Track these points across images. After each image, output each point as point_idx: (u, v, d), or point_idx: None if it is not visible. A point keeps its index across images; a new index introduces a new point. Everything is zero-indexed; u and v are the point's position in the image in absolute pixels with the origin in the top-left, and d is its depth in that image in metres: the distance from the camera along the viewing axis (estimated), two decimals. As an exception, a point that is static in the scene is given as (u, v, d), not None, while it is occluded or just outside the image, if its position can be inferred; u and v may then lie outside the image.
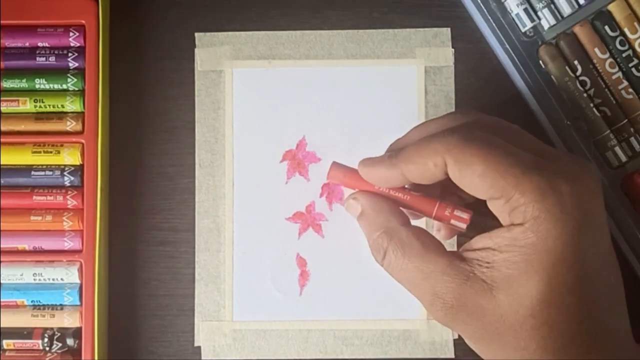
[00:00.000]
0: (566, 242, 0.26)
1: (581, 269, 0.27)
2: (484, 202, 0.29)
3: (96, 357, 0.37)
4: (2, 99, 0.39)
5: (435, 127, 0.31)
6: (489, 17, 0.39)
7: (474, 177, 0.28)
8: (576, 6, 0.39)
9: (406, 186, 0.32)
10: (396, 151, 0.31)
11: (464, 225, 0.31)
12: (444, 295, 0.28)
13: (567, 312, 0.26)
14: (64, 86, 0.39)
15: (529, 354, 0.27)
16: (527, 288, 0.26)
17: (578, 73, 0.39)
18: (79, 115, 0.39)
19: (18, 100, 0.39)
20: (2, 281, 0.38)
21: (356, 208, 0.32)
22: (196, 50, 0.41)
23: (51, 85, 0.39)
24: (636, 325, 0.29)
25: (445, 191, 0.33)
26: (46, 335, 0.38)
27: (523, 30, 0.39)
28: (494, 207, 0.28)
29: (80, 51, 0.39)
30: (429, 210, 0.31)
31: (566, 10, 0.39)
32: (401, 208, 0.32)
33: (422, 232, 0.30)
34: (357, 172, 0.32)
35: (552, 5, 0.39)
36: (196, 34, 0.41)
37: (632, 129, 0.39)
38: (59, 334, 0.38)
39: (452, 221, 0.30)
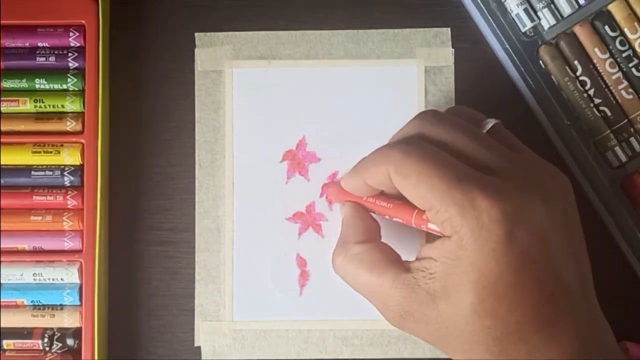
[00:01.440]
0: (489, 256, 0.28)
1: (513, 278, 0.28)
2: None
3: (96, 357, 0.37)
4: (2, 99, 0.39)
5: (398, 135, 0.34)
6: (489, 17, 0.39)
7: (409, 188, 0.30)
8: (576, 6, 0.39)
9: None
10: (359, 161, 0.34)
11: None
12: (392, 307, 0.30)
13: (502, 321, 0.28)
14: (64, 86, 0.39)
15: (475, 356, 0.29)
16: (461, 299, 0.28)
17: (578, 73, 0.39)
18: (79, 115, 0.39)
19: (18, 100, 0.39)
20: (2, 281, 0.38)
21: (343, 212, 0.36)
22: (196, 50, 0.41)
23: (51, 85, 0.39)
24: (637, 325, 0.29)
25: None
26: (46, 335, 0.38)
27: (523, 30, 0.39)
28: (430, 218, 0.30)
29: (80, 51, 0.39)
30: (407, 218, 0.33)
31: (566, 10, 0.39)
32: (389, 216, 0.34)
33: (373, 247, 0.33)
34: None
35: (552, 5, 0.39)
36: (196, 34, 0.41)
37: (632, 129, 0.39)
38: (59, 334, 0.38)
39: (430, 226, 0.31)
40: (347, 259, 0.33)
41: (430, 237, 0.32)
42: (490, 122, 0.33)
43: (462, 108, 0.35)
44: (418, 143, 0.31)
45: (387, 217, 0.34)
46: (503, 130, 0.34)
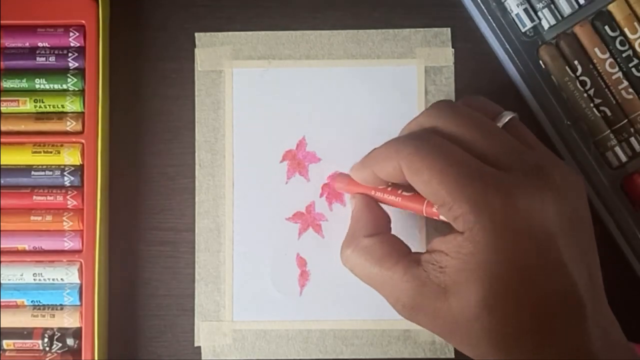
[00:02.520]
0: (501, 253, 0.28)
1: (523, 275, 0.28)
2: None
3: (96, 357, 0.37)
4: (2, 99, 0.39)
5: (412, 125, 0.33)
6: (489, 17, 0.39)
7: (421, 184, 0.30)
8: (576, 6, 0.39)
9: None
10: (369, 152, 0.34)
11: None
12: (403, 299, 0.30)
13: (511, 317, 0.28)
14: (64, 86, 0.39)
15: (481, 352, 0.29)
16: (471, 294, 0.28)
17: (578, 73, 0.39)
18: (79, 115, 0.39)
19: (18, 100, 0.39)
20: (2, 281, 0.38)
21: (353, 204, 0.36)
22: (196, 50, 0.41)
23: (51, 85, 0.39)
24: (637, 325, 0.29)
25: None
26: (46, 335, 0.38)
27: (523, 31, 0.39)
28: (442, 213, 0.30)
29: (80, 51, 0.39)
30: (418, 209, 0.33)
31: (566, 10, 0.39)
32: (399, 207, 0.34)
33: (382, 240, 0.32)
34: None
35: (552, 5, 0.39)
36: (196, 34, 0.41)
37: (632, 129, 0.39)
38: (59, 334, 0.38)
39: (441, 217, 0.31)
40: (357, 251, 0.33)
41: (434, 228, 0.32)
42: (507, 116, 0.33)
43: (478, 99, 0.34)
44: (431, 137, 0.30)
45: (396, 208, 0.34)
46: (519, 125, 0.33)
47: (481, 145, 0.30)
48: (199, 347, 0.40)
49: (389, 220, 0.35)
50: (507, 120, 0.33)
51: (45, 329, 0.38)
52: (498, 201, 0.28)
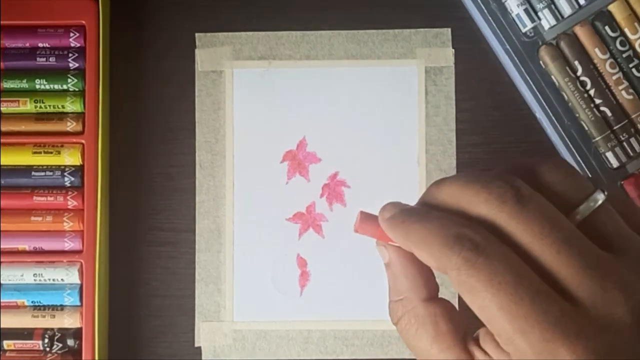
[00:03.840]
0: None
1: None
2: None
3: (96, 358, 0.37)
4: (2, 99, 0.39)
5: (460, 198, 0.25)
6: (490, 18, 0.39)
7: (474, 306, 0.24)
8: (576, 6, 0.39)
9: None
10: (415, 217, 0.26)
11: None
12: None
13: None
14: (64, 87, 0.39)
15: None
16: None
17: (578, 73, 0.39)
18: (79, 116, 0.39)
19: (18, 101, 0.39)
20: (2, 282, 0.38)
21: (384, 256, 0.28)
22: (196, 50, 0.41)
23: (51, 86, 0.39)
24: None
25: None
26: (46, 335, 0.38)
27: (523, 31, 0.39)
28: (499, 340, 0.24)
29: (81, 51, 0.39)
30: None
31: (566, 10, 0.39)
32: None
33: (441, 313, 0.26)
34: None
35: (553, 6, 0.39)
36: (196, 35, 0.41)
37: (632, 129, 0.39)
38: (59, 335, 0.38)
39: None
40: (410, 319, 0.27)
41: None
42: (595, 201, 0.25)
43: (557, 171, 0.25)
44: (490, 243, 0.23)
45: None
46: (607, 210, 0.25)
47: (551, 263, 0.23)
48: (200, 348, 0.40)
49: (434, 276, 0.28)
50: (596, 206, 0.25)
51: (46, 330, 0.38)
52: (567, 354, 0.22)
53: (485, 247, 0.23)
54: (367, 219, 0.28)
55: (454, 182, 0.25)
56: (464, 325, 0.26)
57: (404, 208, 0.27)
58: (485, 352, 0.25)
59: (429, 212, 0.26)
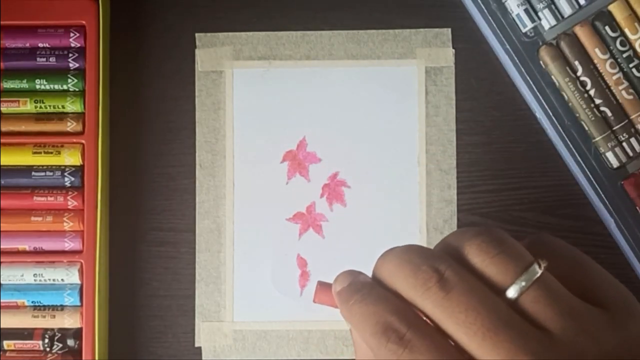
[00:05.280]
0: None
1: None
2: None
3: (97, 358, 0.37)
4: (2, 99, 0.39)
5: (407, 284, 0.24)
6: (490, 18, 0.39)
7: None
8: (577, 6, 0.39)
9: None
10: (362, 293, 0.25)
11: None
12: None
13: None
14: (65, 87, 0.39)
15: None
16: None
17: (578, 73, 0.39)
18: (80, 116, 0.39)
19: (18, 101, 0.39)
20: (2, 282, 0.38)
21: (347, 323, 0.28)
22: (197, 50, 0.41)
23: (51, 86, 0.39)
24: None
25: None
26: (47, 336, 0.38)
27: (523, 31, 0.39)
28: None
29: (81, 52, 0.39)
30: None
31: (567, 10, 0.39)
32: None
33: None
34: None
35: (553, 6, 0.39)
36: (197, 35, 0.41)
37: (632, 130, 0.39)
38: (59, 335, 0.38)
39: None
40: None
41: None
42: (524, 283, 0.23)
43: (483, 248, 0.24)
44: (415, 334, 0.23)
45: None
46: (544, 285, 0.23)
47: (477, 350, 0.22)
48: (200, 348, 0.40)
49: None
50: (529, 284, 0.23)
51: (46, 330, 0.38)
52: None
53: (410, 338, 0.23)
54: (323, 290, 0.28)
55: (392, 260, 0.25)
56: None
57: (354, 280, 0.26)
58: None
59: (370, 290, 0.25)
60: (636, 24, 0.39)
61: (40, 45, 0.39)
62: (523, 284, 0.23)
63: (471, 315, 0.22)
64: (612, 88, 0.39)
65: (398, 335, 0.23)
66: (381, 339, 0.23)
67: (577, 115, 0.39)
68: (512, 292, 0.23)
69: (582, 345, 0.22)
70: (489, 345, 0.22)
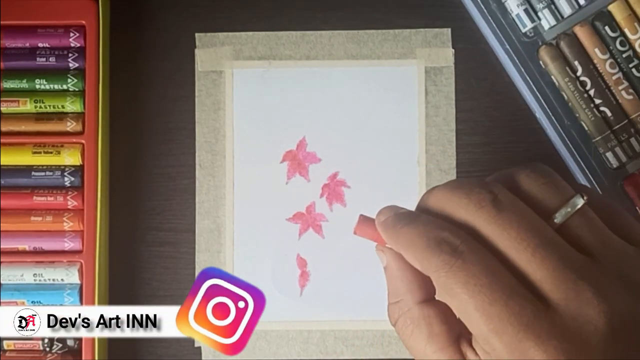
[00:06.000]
0: None
1: None
2: None
3: (96, 358, 0.37)
4: (2, 99, 0.39)
5: (447, 204, 0.26)
6: (490, 18, 0.39)
7: (453, 307, 0.25)
8: (576, 6, 0.39)
9: None
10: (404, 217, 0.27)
11: None
12: None
13: None
14: (64, 87, 0.39)
15: None
16: None
17: (578, 73, 0.39)
18: (79, 116, 0.39)
19: (18, 101, 0.39)
20: (2, 282, 0.38)
21: (382, 259, 0.29)
22: (196, 50, 0.41)
23: (51, 86, 0.39)
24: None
25: None
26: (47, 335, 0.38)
27: (523, 31, 0.39)
28: (474, 341, 0.26)
29: (81, 51, 0.39)
30: None
31: (566, 10, 0.39)
32: None
33: (436, 315, 0.27)
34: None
35: (553, 6, 0.39)
36: (196, 35, 0.41)
37: (632, 130, 0.39)
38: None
39: None
40: (406, 321, 0.28)
41: None
42: (574, 206, 0.25)
43: (537, 177, 0.26)
44: (468, 247, 0.24)
45: None
46: (587, 214, 0.26)
47: (526, 265, 0.24)
48: (200, 348, 0.40)
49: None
50: (574, 211, 0.25)
51: (46, 330, 0.38)
52: (531, 345, 0.23)
53: (463, 250, 0.24)
54: (365, 222, 0.29)
55: (442, 189, 0.27)
56: (458, 327, 0.27)
57: (397, 212, 0.28)
58: (476, 353, 0.25)
59: (418, 216, 0.27)
60: (636, 24, 0.39)
61: (40, 45, 0.39)
62: (569, 209, 0.25)
63: (522, 232, 0.24)
64: (611, 88, 0.39)
65: (452, 247, 0.24)
66: (434, 251, 0.25)
67: (577, 115, 0.39)
68: (558, 218, 0.25)
69: (621, 270, 0.24)
70: (538, 260, 0.24)
